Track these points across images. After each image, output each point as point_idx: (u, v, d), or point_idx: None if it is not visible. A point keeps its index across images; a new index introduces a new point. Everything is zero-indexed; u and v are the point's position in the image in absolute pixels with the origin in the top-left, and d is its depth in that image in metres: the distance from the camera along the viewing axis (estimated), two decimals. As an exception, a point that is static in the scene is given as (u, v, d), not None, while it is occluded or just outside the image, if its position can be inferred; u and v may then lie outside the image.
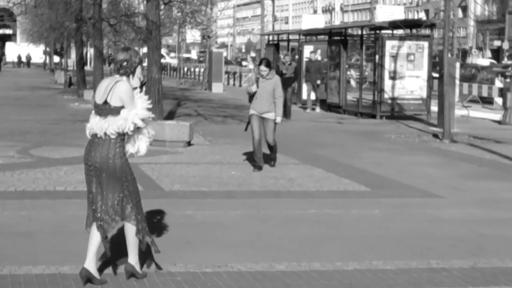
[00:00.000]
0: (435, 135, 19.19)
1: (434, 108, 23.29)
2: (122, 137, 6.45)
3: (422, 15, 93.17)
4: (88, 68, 49.89)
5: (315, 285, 6.66)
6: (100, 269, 6.67)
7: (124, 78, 6.48)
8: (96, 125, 6.41)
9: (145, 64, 6.31)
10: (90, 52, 57.93)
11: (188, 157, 14.44)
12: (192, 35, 61.52)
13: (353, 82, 26.85)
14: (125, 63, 6.48)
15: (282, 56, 25.79)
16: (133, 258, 6.58)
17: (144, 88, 6.76)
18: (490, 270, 7.30)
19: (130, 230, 6.51)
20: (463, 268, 7.32)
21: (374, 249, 8.01)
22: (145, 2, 21.36)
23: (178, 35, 52.51)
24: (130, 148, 6.57)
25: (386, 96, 24.27)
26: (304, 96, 28.45)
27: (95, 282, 6.41)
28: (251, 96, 13.15)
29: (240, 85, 45.03)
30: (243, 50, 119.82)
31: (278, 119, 13.09)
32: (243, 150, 15.12)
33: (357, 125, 22.51)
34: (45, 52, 71.58)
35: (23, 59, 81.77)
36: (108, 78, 6.57)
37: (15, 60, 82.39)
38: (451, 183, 12.35)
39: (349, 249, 7.99)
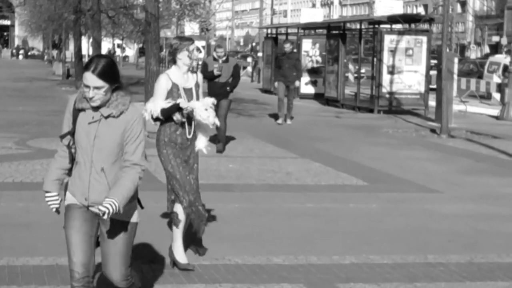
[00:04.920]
0: (433, 130, 19.20)
1: (432, 103, 23.30)
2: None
3: (421, 10, 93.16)
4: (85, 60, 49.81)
5: (312, 279, 6.68)
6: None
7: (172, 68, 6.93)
8: None
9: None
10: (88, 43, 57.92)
11: (186, 149, 14.39)
12: (191, 27, 61.42)
13: (351, 77, 26.83)
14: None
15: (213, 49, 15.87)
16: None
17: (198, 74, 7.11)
18: (487, 265, 7.32)
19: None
20: (460, 263, 7.33)
21: (371, 243, 8.02)
22: (144, -6, 21.33)
23: (176, 28, 52.44)
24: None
25: (384, 90, 24.27)
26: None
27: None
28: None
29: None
30: (242, 43, 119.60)
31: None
32: (241, 143, 15.09)
33: (355, 119, 22.51)
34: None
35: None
36: None
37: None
38: (449, 178, 12.36)
39: (346, 243, 8.00)
